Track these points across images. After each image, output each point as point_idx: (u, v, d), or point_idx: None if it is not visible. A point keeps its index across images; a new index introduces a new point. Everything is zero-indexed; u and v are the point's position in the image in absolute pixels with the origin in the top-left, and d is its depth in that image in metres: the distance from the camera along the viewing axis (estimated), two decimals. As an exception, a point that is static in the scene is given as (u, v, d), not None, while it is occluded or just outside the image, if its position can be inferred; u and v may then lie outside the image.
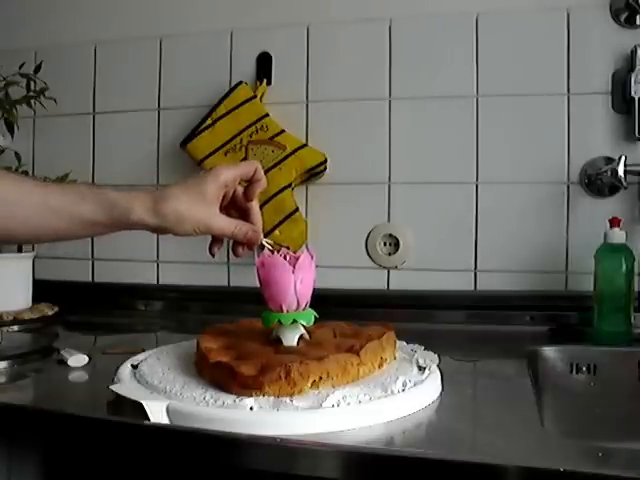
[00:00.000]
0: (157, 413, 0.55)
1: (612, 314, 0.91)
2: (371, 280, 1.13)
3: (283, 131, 1.12)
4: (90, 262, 1.27)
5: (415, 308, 1.08)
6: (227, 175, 0.65)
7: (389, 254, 1.12)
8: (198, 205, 0.64)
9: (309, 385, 0.58)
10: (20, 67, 1.14)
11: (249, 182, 0.69)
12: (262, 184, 0.69)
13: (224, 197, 0.67)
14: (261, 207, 1.07)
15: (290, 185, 1.10)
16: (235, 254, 0.70)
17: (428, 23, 1.11)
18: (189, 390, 0.59)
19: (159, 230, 0.64)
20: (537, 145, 1.07)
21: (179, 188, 0.64)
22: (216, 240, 0.71)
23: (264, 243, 0.69)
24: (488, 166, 1.09)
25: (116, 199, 0.63)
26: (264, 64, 1.17)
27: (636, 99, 1.00)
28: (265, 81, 1.16)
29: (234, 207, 0.70)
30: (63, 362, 0.77)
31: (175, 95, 1.23)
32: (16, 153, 1.16)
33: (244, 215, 0.70)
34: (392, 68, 1.12)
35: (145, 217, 0.63)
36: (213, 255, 0.71)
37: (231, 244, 0.71)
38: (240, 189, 0.69)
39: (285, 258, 0.66)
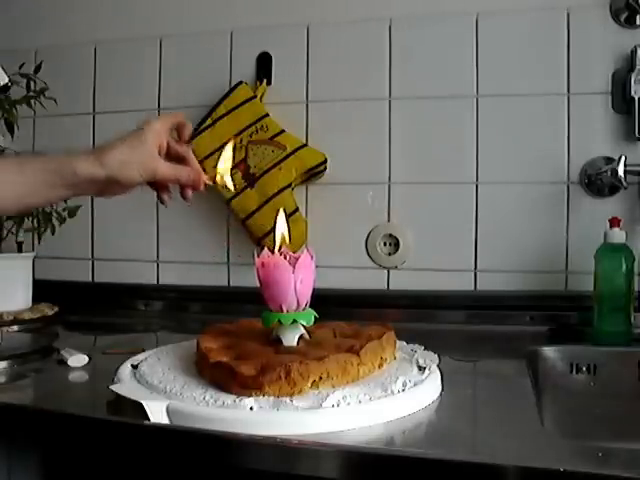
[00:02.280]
0: (157, 413, 0.55)
1: (612, 314, 0.91)
2: (371, 280, 1.13)
3: (283, 131, 1.12)
4: (90, 262, 1.27)
5: (415, 308, 1.08)
6: (161, 123, 0.70)
7: (389, 254, 1.13)
8: (140, 151, 0.68)
9: (309, 385, 0.58)
10: (20, 67, 1.14)
11: (178, 130, 0.73)
12: (189, 127, 0.74)
13: (161, 147, 0.70)
14: (261, 207, 1.09)
15: (290, 185, 1.10)
16: (184, 197, 0.73)
17: (428, 23, 1.11)
18: (189, 390, 0.59)
19: (106, 181, 0.67)
20: (537, 145, 1.07)
21: (119, 140, 0.68)
22: (162, 187, 0.73)
23: (207, 182, 0.72)
24: (488, 166, 1.09)
25: (61, 159, 0.67)
26: (264, 64, 1.18)
27: (636, 99, 1.00)
28: (265, 81, 1.16)
29: (171, 158, 0.72)
30: (63, 362, 0.77)
31: (175, 95, 1.23)
32: (16, 153, 1.16)
33: (182, 163, 0.73)
34: (392, 68, 1.12)
35: (90, 168, 0.66)
36: (165, 203, 0.74)
37: (179, 190, 0.73)
38: (173, 141, 0.73)
39: (285, 258, 0.66)
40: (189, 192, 0.72)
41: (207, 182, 0.72)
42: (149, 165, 0.68)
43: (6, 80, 0.85)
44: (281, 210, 0.73)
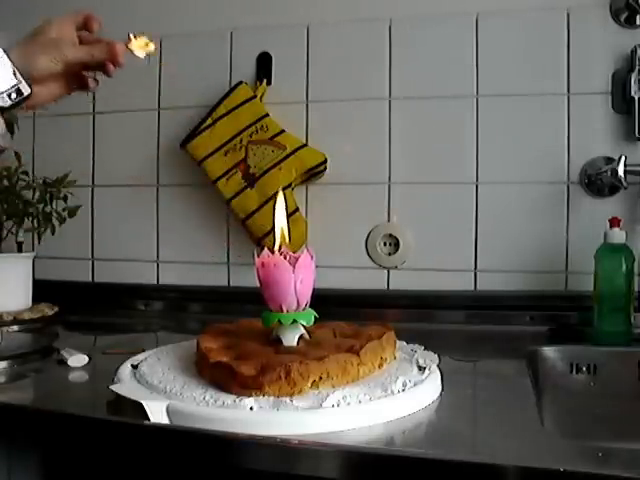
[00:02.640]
0: (157, 413, 0.55)
1: (612, 314, 0.91)
2: (371, 280, 1.13)
3: (283, 131, 1.12)
4: (90, 262, 1.27)
5: (415, 308, 1.08)
6: (61, 18, 0.69)
7: (389, 254, 1.13)
8: (42, 39, 0.67)
9: (309, 385, 0.58)
10: (20, 67, 1.14)
11: (86, 26, 0.72)
12: (96, 19, 0.72)
13: (66, 37, 0.69)
14: (261, 207, 1.09)
15: (290, 185, 1.10)
16: (107, 73, 0.71)
17: (428, 23, 1.11)
18: (189, 390, 0.59)
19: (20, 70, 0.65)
20: (537, 145, 1.07)
21: (21, 40, 0.67)
22: (81, 76, 0.71)
23: (131, 47, 0.71)
24: (488, 166, 1.09)
25: None
26: (264, 64, 1.18)
27: (636, 99, 1.00)
28: (265, 81, 1.16)
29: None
30: (63, 362, 0.77)
31: (175, 95, 1.23)
32: (16, 153, 1.16)
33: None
34: (392, 68, 1.13)
35: None
36: (90, 89, 0.73)
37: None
38: (83, 33, 0.71)
39: (285, 258, 0.65)
40: (110, 67, 0.70)
41: (130, 47, 0.71)
42: (57, 50, 0.67)
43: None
44: (280, 200, 0.73)
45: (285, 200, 0.74)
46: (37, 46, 0.66)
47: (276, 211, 0.72)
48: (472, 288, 1.09)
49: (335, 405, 0.55)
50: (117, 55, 0.70)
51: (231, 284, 1.20)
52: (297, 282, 0.64)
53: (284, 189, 1.08)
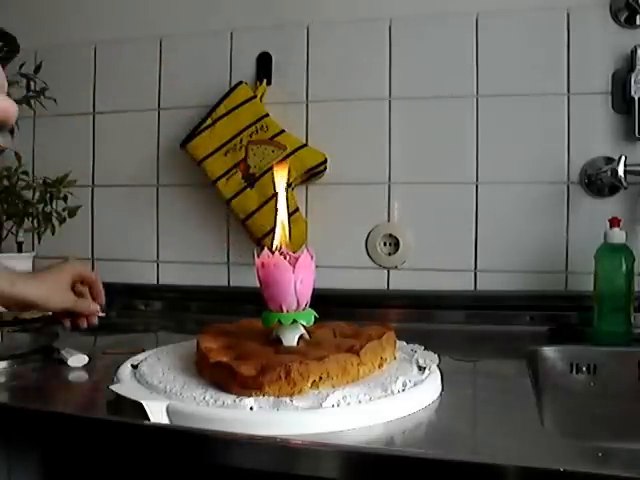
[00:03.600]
0: (157, 413, 0.55)
1: (612, 314, 0.91)
2: (371, 280, 1.13)
3: (283, 131, 1.12)
4: (90, 262, 1.27)
5: (415, 308, 1.08)
6: (74, 267, 0.85)
7: (389, 254, 1.13)
8: (60, 286, 0.82)
9: (309, 385, 0.58)
10: (20, 67, 1.14)
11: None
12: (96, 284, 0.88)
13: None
14: (261, 207, 1.09)
15: (290, 185, 1.10)
16: (77, 326, 0.86)
17: (428, 23, 1.11)
18: (189, 390, 0.59)
19: (31, 305, 0.80)
20: (537, 145, 1.07)
21: (46, 273, 0.83)
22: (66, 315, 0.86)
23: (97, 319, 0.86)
24: (488, 166, 1.09)
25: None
26: (264, 64, 1.18)
27: (636, 99, 1.00)
28: (265, 81, 1.16)
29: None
30: (63, 362, 0.77)
31: (175, 95, 1.23)
32: (16, 153, 1.16)
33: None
34: (392, 68, 1.13)
35: (26, 290, 0.78)
36: (71, 327, 0.87)
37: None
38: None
39: (285, 258, 0.65)
40: (84, 322, 0.85)
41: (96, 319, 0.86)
42: (65, 296, 0.82)
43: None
44: (281, 193, 0.72)
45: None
46: (57, 289, 0.81)
47: (278, 206, 0.71)
48: (472, 288, 1.09)
49: (335, 405, 0.55)
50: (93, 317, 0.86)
51: (231, 284, 1.20)
52: (297, 282, 0.64)
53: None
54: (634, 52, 1.00)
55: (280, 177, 0.71)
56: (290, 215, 1.07)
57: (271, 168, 1.09)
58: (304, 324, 0.66)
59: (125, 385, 0.63)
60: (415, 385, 0.61)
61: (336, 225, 1.14)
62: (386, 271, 1.13)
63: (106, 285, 0.89)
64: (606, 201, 1.04)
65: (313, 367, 0.58)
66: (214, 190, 1.13)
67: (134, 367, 0.68)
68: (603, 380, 0.86)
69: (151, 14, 1.24)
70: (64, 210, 1.15)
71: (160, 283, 1.24)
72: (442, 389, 0.64)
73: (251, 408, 0.55)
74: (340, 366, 0.60)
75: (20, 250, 1.15)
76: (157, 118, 1.24)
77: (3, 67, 0.47)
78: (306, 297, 0.66)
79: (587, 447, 0.54)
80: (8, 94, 0.53)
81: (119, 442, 0.57)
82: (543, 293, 1.05)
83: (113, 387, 0.61)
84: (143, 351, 0.75)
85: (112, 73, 1.27)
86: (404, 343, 0.76)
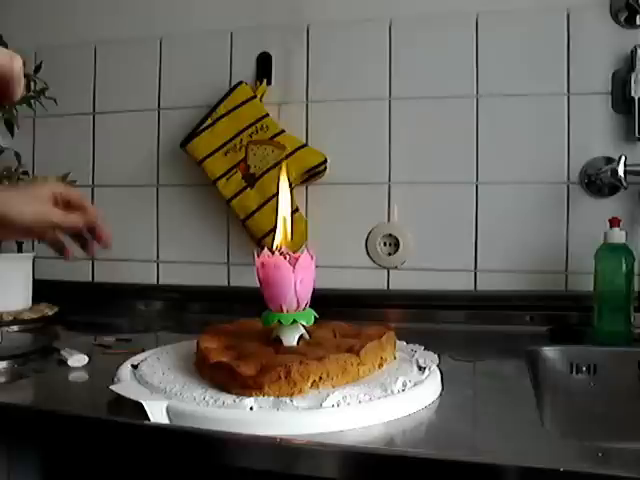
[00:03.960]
0: (157, 413, 0.55)
1: (612, 314, 0.91)
2: (371, 280, 1.13)
3: (283, 131, 1.12)
4: (90, 262, 1.27)
5: (415, 308, 1.08)
6: (54, 184, 0.73)
7: (389, 254, 1.13)
8: (32, 192, 0.70)
9: (309, 385, 0.58)
10: (20, 67, 1.14)
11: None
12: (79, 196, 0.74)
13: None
14: (261, 207, 1.09)
15: (290, 185, 1.10)
16: (88, 252, 0.76)
17: (428, 23, 1.11)
18: (189, 390, 0.59)
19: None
20: (537, 145, 1.07)
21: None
22: (58, 242, 0.75)
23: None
24: (488, 166, 1.09)
25: None
26: (264, 64, 1.17)
27: (636, 99, 1.00)
28: (265, 81, 1.16)
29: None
30: (63, 362, 0.77)
31: (175, 95, 1.23)
32: (16, 153, 1.16)
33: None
34: (392, 68, 1.13)
35: None
36: (67, 258, 0.76)
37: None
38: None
39: (285, 258, 0.65)
40: (92, 245, 0.74)
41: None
42: (42, 207, 0.69)
43: None
44: (284, 188, 0.72)
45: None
46: (27, 195, 0.69)
47: (279, 202, 0.71)
48: (472, 288, 1.09)
49: (335, 405, 0.55)
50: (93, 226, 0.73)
51: (231, 284, 1.20)
52: (297, 282, 0.64)
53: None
54: (634, 52, 1.00)
55: (283, 174, 0.71)
56: (291, 215, 1.08)
57: (271, 168, 1.09)
58: (304, 324, 0.67)
59: (125, 385, 0.63)
60: (415, 385, 0.61)
61: (336, 225, 1.14)
62: (386, 271, 1.13)
63: (106, 285, 0.88)
64: (606, 201, 1.04)
65: (313, 367, 0.58)
66: (214, 190, 1.13)
67: (134, 367, 0.68)
68: (603, 380, 0.86)
69: (151, 14, 1.24)
70: (64, 210, 1.15)
71: (160, 283, 1.24)
72: (442, 389, 0.64)
73: (251, 408, 0.55)
74: (340, 366, 0.60)
75: (20, 250, 1.15)
76: (157, 118, 1.24)
77: None
78: (306, 297, 0.66)
79: (587, 447, 0.54)
80: None
81: (119, 442, 0.57)
82: (543, 293, 1.05)
83: (113, 387, 0.61)
84: (143, 351, 0.75)
85: (112, 73, 1.27)
86: (404, 343, 0.76)
